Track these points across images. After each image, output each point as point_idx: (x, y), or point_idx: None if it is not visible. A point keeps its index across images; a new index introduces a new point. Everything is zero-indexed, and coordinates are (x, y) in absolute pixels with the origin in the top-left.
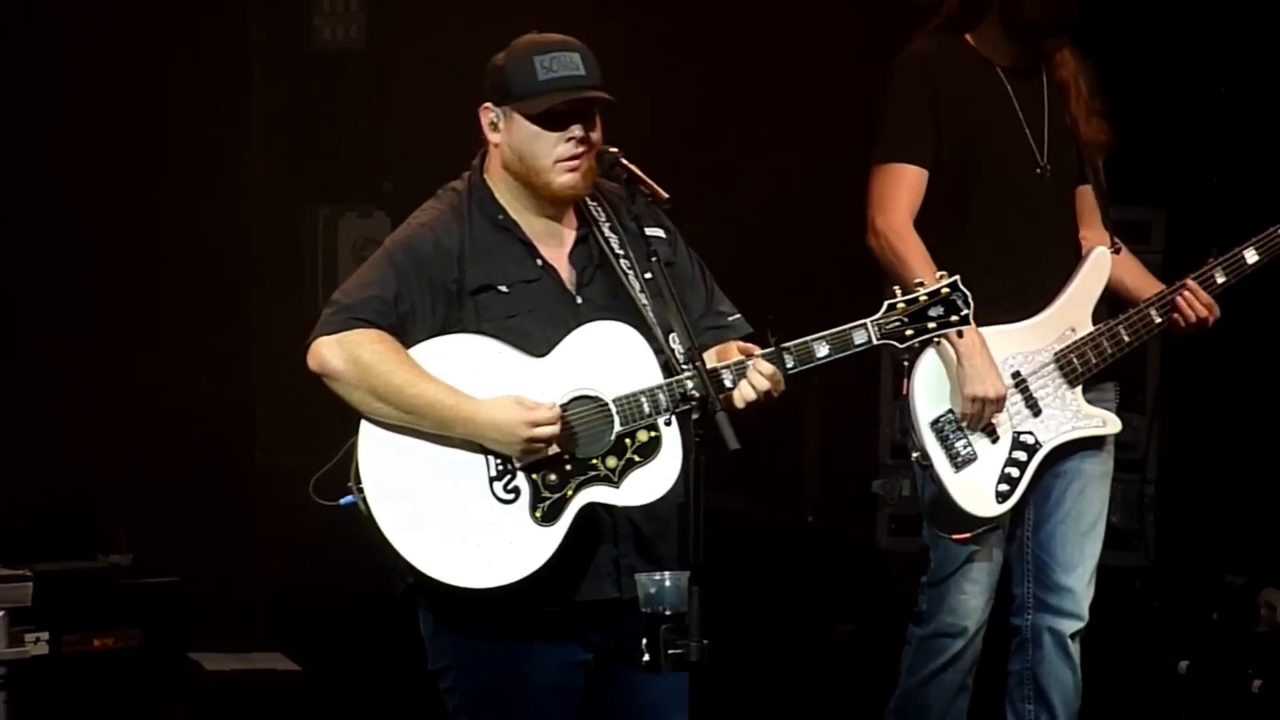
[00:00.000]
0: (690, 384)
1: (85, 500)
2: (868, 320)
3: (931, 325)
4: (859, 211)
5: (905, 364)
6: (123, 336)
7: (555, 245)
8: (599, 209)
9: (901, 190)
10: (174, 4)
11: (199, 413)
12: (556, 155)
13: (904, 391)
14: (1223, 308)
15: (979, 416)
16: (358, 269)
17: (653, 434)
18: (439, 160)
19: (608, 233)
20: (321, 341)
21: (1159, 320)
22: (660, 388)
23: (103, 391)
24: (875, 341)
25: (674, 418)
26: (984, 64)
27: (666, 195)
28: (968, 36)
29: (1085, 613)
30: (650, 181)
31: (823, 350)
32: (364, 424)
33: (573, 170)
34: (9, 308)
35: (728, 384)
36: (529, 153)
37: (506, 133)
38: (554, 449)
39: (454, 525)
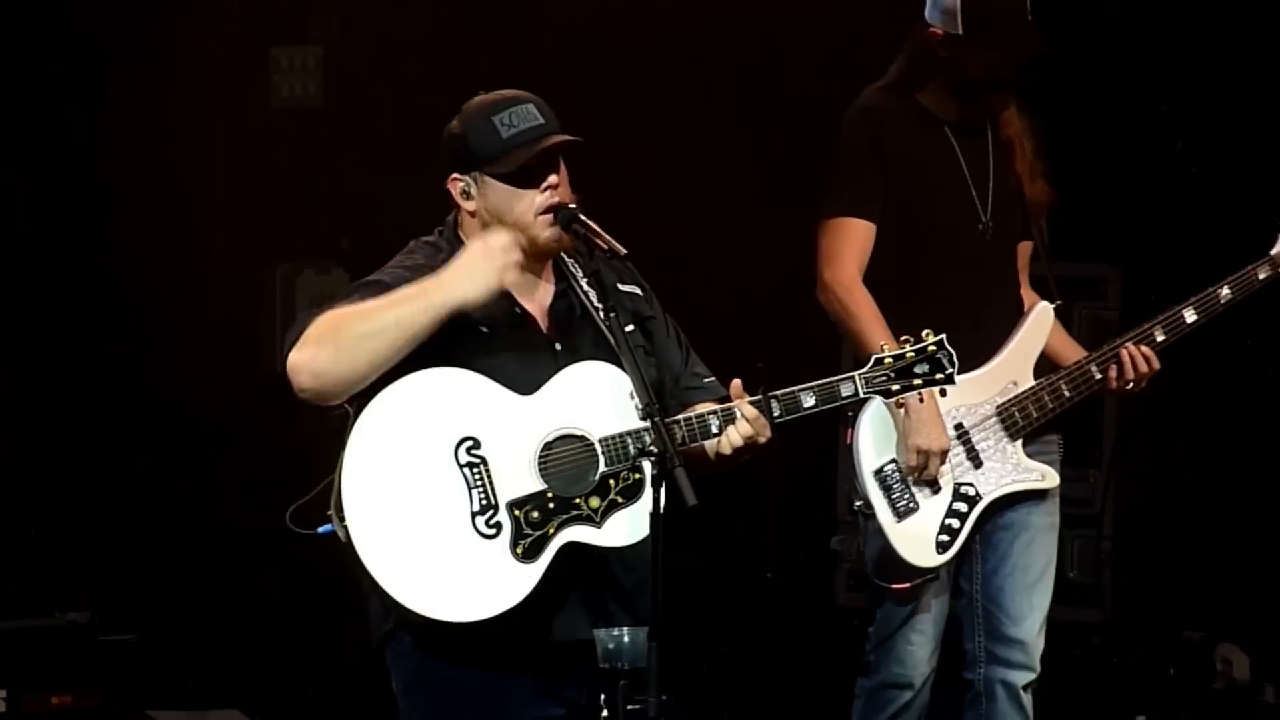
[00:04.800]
0: (679, 430)
1: (43, 558)
2: (855, 374)
3: (917, 381)
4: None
5: (850, 414)
6: (80, 393)
7: (533, 298)
8: (576, 265)
9: (849, 245)
10: (135, 60)
11: (158, 470)
12: (537, 208)
13: (848, 441)
14: (1181, 364)
15: (922, 468)
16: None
17: (637, 475)
18: (397, 217)
19: (586, 287)
20: (289, 359)
21: (1099, 376)
22: (646, 430)
23: (59, 448)
24: (862, 394)
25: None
26: (931, 120)
27: (625, 251)
28: (916, 94)
29: (1037, 664)
30: (608, 236)
31: (809, 400)
32: (348, 455)
33: (555, 224)
34: None
35: (714, 430)
36: (509, 212)
37: (481, 199)
38: (536, 487)
39: (434, 558)
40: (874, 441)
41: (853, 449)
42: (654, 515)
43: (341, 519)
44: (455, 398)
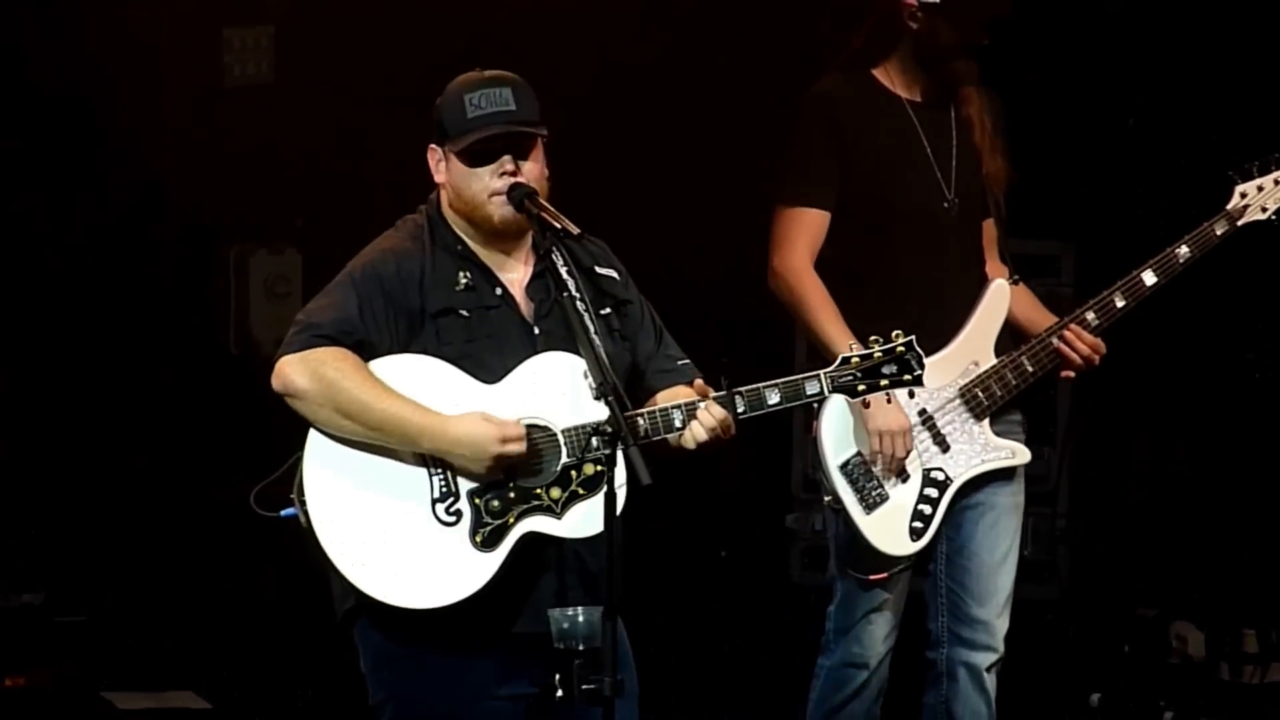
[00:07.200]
0: (643, 422)
1: None
2: (821, 372)
3: (884, 382)
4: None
5: (815, 406)
6: (35, 374)
7: (513, 278)
8: (554, 246)
9: (800, 233)
10: (87, 39)
11: (111, 452)
12: (491, 190)
13: (813, 434)
14: (1132, 342)
15: (887, 453)
16: (322, 291)
17: (599, 468)
18: (350, 196)
19: (563, 269)
20: (286, 360)
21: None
22: (609, 422)
23: (10, 430)
24: (827, 393)
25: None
26: (891, 99)
27: (578, 230)
28: (875, 72)
29: (1000, 645)
30: (562, 217)
31: (774, 398)
32: (310, 439)
33: (509, 204)
34: None
35: (678, 424)
36: (465, 190)
37: (447, 173)
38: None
39: (393, 544)
40: (836, 436)
41: (817, 443)
42: (608, 494)
43: (302, 502)
44: (420, 385)
